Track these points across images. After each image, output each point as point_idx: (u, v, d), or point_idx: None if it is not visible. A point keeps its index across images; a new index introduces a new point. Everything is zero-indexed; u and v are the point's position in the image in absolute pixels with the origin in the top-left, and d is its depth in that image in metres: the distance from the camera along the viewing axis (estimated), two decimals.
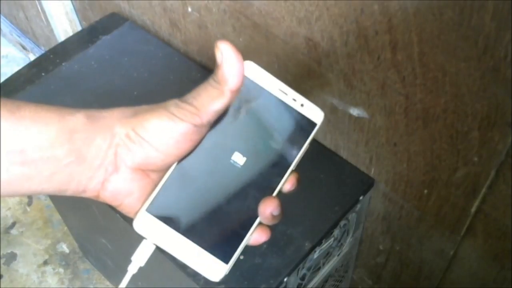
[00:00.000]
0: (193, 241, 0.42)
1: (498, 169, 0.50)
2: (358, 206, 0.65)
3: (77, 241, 1.18)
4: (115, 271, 1.03)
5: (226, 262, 0.42)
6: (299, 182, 0.44)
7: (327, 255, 0.66)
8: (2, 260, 1.22)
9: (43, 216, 1.29)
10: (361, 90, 0.56)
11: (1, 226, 1.27)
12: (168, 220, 0.42)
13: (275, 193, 0.43)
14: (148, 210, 0.42)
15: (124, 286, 0.43)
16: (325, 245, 0.63)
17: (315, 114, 0.46)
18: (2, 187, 0.36)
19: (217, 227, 0.43)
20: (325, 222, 0.60)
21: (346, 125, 0.62)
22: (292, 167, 0.44)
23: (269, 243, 0.58)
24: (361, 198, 0.63)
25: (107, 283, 1.18)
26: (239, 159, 0.43)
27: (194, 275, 0.55)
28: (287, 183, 0.43)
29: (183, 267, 0.56)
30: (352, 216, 0.65)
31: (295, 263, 0.58)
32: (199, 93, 0.40)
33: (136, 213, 0.42)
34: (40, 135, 0.36)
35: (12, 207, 1.30)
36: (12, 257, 1.23)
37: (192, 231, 0.42)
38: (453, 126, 0.50)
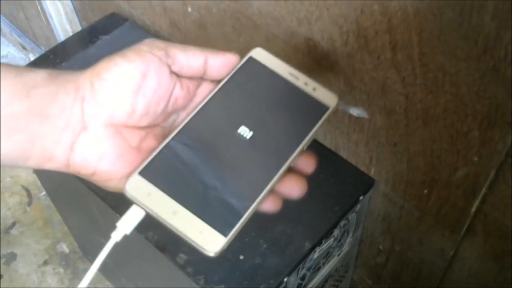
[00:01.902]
0: (189, 209, 0.39)
1: (498, 169, 0.50)
2: (358, 206, 0.65)
3: (77, 241, 1.18)
4: (115, 271, 1.03)
5: (225, 234, 0.38)
6: (316, 163, 0.42)
7: (327, 255, 0.66)
8: (2, 260, 1.22)
9: (43, 216, 1.29)
10: (361, 90, 0.56)
11: (1, 226, 1.27)
12: (163, 186, 0.39)
13: (281, 171, 0.41)
14: (141, 173, 0.38)
15: (106, 254, 0.40)
16: (325, 245, 0.63)
17: (328, 97, 0.45)
18: None
19: (217, 197, 0.40)
20: (325, 222, 0.61)
21: (346, 125, 0.62)
22: (302, 145, 0.42)
23: (269, 243, 0.58)
24: (361, 198, 0.63)
25: (107, 283, 1.18)
26: (245, 132, 0.41)
27: (194, 275, 0.55)
28: (307, 165, 0.41)
29: (183, 266, 0.56)
30: (352, 216, 0.66)
31: (295, 263, 0.58)
32: (175, 43, 0.39)
33: (128, 176, 0.38)
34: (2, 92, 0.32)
35: (12, 207, 1.30)
36: (12, 257, 1.23)
37: (189, 199, 0.39)
38: (453, 126, 0.50)
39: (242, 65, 0.43)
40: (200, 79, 0.41)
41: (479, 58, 0.43)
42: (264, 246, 0.58)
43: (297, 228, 0.59)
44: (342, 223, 0.64)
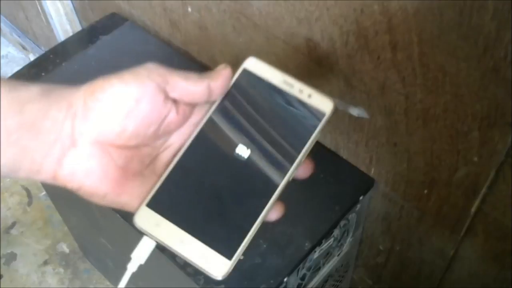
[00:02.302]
0: (195, 236, 0.40)
1: (498, 169, 0.50)
2: (358, 206, 0.65)
3: (77, 241, 1.18)
4: (115, 271, 1.03)
5: (230, 258, 0.40)
6: (313, 168, 0.42)
7: (327, 255, 0.66)
8: (2, 260, 1.22)
9: (43, 216, 1.29)
10: (361, 90, 0.56)
11: (1, 226, 1.27)
12: (170, 215, 0.40)
13: (280, 187, 0.41)
14: (148, 205, 0.40)
15: (124, 286, 0.41)
16: (325, 245, 0.63)
17: (324, 103, 0.45)
18: None
19: (220, 222, 0.41)
20: (325, 222, 0.61)
21: (346, 125, 0.62)
22: (301, 156, 0.42)
23: (269, 243, 0.58)
24: (361, 198, 0.63)
25: (107, 283, 1.18)
26: (243, 151, 0.41)
27: (194, 275, 0.55)
28: (301, 169, 0.41)
29: (183, 266, 0.56)
30: (352, 216, 0.66)
31: (295, 263, 0.58)
32: (178, 70, 0.39)
33: (137, 208, 0.39)
34: None
35: (12, 207, 1.30)
36: (12, 257, 1.23)
37: (194, 226, 0.40)
38: (453, 126, 0.50)
39: (237, 79, 0.44)
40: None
41: (479, 58, 0.43)
42: (264, 246, 0.58)
43: (297, 228, 0.59)
44: (342, 223, 0.64)
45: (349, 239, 0.70)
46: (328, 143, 0.67)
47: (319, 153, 0.65)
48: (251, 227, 0.41)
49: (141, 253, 0.42)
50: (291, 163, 0.42)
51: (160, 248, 0.42)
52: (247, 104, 0.43)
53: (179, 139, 0.41)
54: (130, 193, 0.39)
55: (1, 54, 1.60)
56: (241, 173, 0.41)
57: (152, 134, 0.39)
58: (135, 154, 0.39)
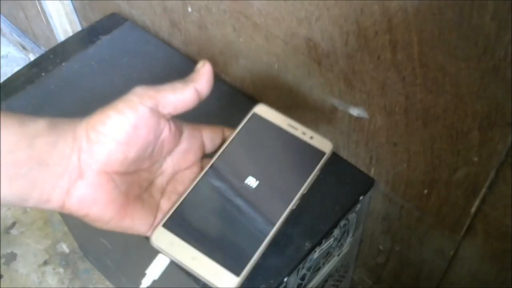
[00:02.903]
0: (206, 255, 0.44)
1: (498, 169, 0.50)
2: (358, 206, 0.65)
3: (77, 241, 1.18)
4: (115, 271, 1.03)
5: (238, 275, 0.44)
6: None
7: (327, 255, 0.66)
8: (2, 260, 1.22)
9: (43, 216, 1.29)
10: (361, 90, 0.56)
11: (1, 226, 1.27)
12: (183, 235, 0.44)
13: (285, 214, 0.47)
14: (164, 225, 0.44)
15: None
16: (325, 245, 0.63)
17: (324, 144, 0.51)
18: None
19: (229, 242, 0.45)
20: (325, 222, 0.60)
21: (346, 125, 0.62)
22: (302, 191, 0.48)
23: (269, 243, 0.58)
24: (361, 198, 0.63)
25: (107, 283, 1.18)
26: (252, 182, 0.46)
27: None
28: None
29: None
30: (352, 216, 0.66)
31: (295, 263, 0.58)
32: (163, 85, 0.42)
33: (154, 228, 0.43)
34: (1, 140, 0.35)
35: (12, 207, 1.30)
36: (12, 257, 1.23)
37: (206, 246, 0.44)
38: (453, 126, 0.50)
39: (247, 120, 0.49)
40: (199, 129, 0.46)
41: (479, 58, 0.43)
42: None
43: (297, 228, 0.59)
44: (342, 223, 0.64)
45: (349, 239, 0.70)
46: None
47: None
48: (258, 248, 0.46)
49: (155, 269, 0.45)
50: (295, 194, 0.47)
51: (174, 263, 0.45)
52: (256, 142, 0.49)
53: (173, 165, 0.45)
54: (131, 216, 0.41)
55: (1, 54, 1.60)
56: (249, 200, 0.46)
57: (149, 156, 0.42)
58: (135, 179, 0.42)
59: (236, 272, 0.44)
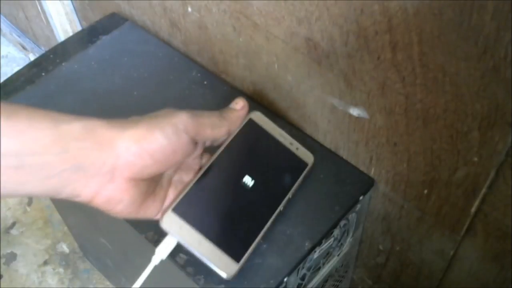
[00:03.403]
0: (210, 240, 0.49)
1: (498, 169, 0.50)
2: (358, 206, 0.65)
3: (77, 241, 1.18)
4: (115, 271, 1.03)
5: (238, 261, 0.49)
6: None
7: (327, 255, 0.66)
8: (2, 260, 1.22)
9: (43, 216, 1.29)
10: (361, 90, 0.56)
11: (1, 226, 1.27)
12: (190, 220, 0.48)
13: (274, 215, 0.53)
14: (174, 210, 0.48)
15: (146, 276, 0.48)
16: (325, 245, 0.63)
17: (307, 156, 0.58)
18: None
19: (231, 231, 0.50)
20: (325, 222, 0.60)
21: (346, 125, 0.62)
22: (289, 195, 0.55)
23: (269, 243, 0.58)
24: (361, 198, 0.63)
25: (107, 283, 1.18)
26: (249, 181, 0.52)
27: (194, 275, 0.55)
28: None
29: (183, 266, 0.56)
30: (352, 216, 0.66)
31: (295, 263, 0.58)
32: (202, 115, 0.46)
33: (164, 211, 0.47)
34: (35, 141, 0.36)
35: (12, 207, 1.30)
36: (12, 257, 1.23)
37: (209, 232, 0.49)
38: (453, 126, 0.50)
39: (244, 125, 0.54)
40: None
41: (479, 58, 0.43)
42: (264, 246, 0.58)
43: (297, 228, 0.59)
44: (342, 223, 0.64)
45: (349, 239, 0.70)
46: (328, 143, 0.67)
47: (319, 153, 0.65)
48: (255, 238, 0.51)
49: (164, 249, 0.49)
50: (282, 198, 0.54)
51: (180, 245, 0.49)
52: (252, 145, 0.54)
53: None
54: (146, 208, 0.46)
55: (1, 54, 1.60)
56: (247, 196, 0.52)
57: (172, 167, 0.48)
58: (154, 180, 0.46)
59: (237, 258, 0.49)
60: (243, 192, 0.51)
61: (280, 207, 0.54)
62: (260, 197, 0.52)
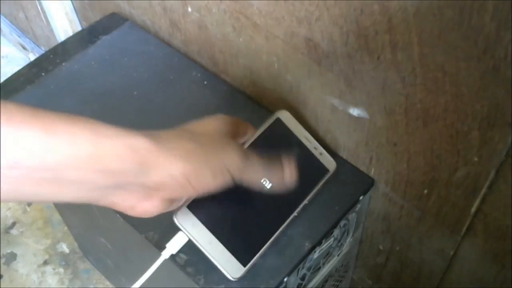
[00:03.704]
0: (220, 241, 0.49)
1: (498, 169, 0.50)
2: (358, 206, 0.65)
3: (77, 241, 1.18)
4: (115, 271, 1.03)
5: (245, 265, 0.50)
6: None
7: (327, 255, 0.66)
8: (2, 260, 1.22)
9: (43, 216, 1.29)
10: (361, 90, 0.56)
11: (1, 226, 1.27)
12: (203, 219, 0.49)
13: (288, 220, 0.53)
14: (189, 207, 0.48)
15: (155, 269, 0.49)
16: (325, 245, 0.63)
17: (329, 163, 0.57)
18: (30, 199, 0.37)
19: (242, 235, 0.50)
20: (325, 222, 0.60)
21: (346, 125, 0.62)
22: (306, 201, 0.54)
23: (269, 243, 0.58)
24: (361, 198, 0.63)
25: (107, 283, 1.18)
26: (267, 182, 0.50)
27: (194, 275, 0.55)
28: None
29: (183, 267, 0.56)
30: (352, 216, 0.66)
31: (295, 263, 0.58)
32: (254, 162, 0.46)
33: (179, 207, 0.48)
34: (75, 158, 0.34)
35: (12, 207, 1.30)
36: (12, 257, 1.23)
37: (221, 233, 0.49)
38: (453, 126, 0.50)
39: (271, 123, 0.53)
40: None
41: (479, 58, 0.43)
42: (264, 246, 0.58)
43: (297, 228, 0.59)
44: (342, 223, 0.64)
45: (349, 239, 0.70)
46: (328, 143, 0.67)
47: None
48: (265, 244, 0.51)
49: (175, 244, 0.49)
50: (299, 203, 0.53)
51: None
52: (275, 145, 0.53)
53: None
54: (170, 208, 0.46)
55: (1, 54, 1.60)
56: (263, 198, 0.50)
57: None
58: None
59: (244, 262, 0.50)
60: (259, 193, 0.49)
61: (295, 213, 0.53)
62: (276, 200, 0.51)
